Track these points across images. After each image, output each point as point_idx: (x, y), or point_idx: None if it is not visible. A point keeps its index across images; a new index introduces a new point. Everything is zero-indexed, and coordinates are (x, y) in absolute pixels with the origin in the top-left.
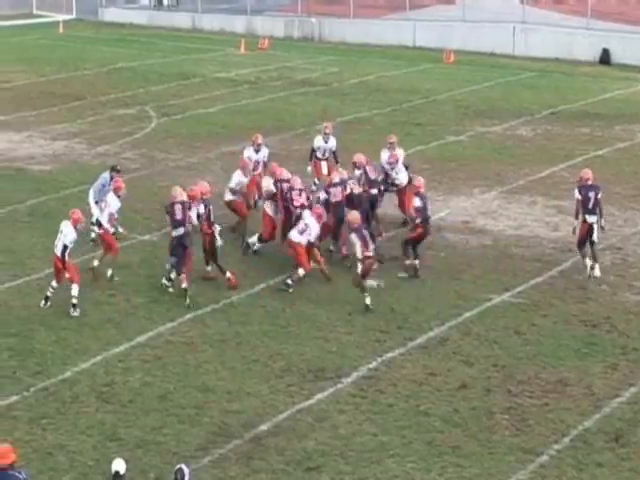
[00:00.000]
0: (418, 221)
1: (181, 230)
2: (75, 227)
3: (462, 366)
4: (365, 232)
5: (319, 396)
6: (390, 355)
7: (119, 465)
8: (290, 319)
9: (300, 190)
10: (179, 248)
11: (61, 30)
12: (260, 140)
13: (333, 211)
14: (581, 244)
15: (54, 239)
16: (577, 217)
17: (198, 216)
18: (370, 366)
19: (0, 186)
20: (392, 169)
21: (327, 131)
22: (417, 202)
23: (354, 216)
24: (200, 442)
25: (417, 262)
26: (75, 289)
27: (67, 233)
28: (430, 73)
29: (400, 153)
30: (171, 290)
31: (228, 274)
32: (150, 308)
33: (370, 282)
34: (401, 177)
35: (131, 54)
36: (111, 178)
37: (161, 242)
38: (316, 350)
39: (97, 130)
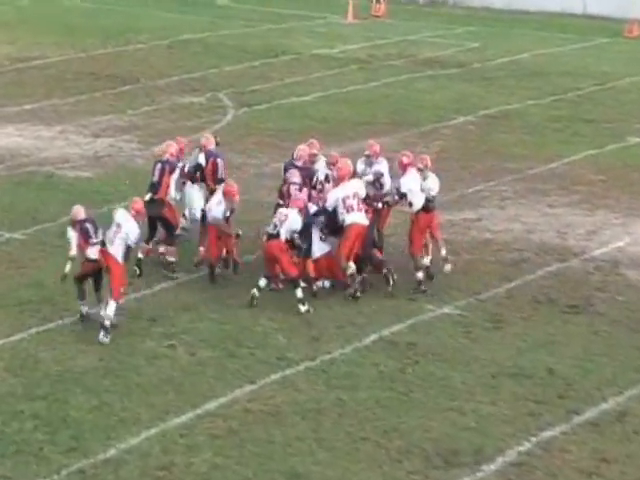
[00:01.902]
0: None
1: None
2: (137, 221)
3: None
4: (88, 226)
5: None
6: (548, 434)
7: None
8: (412, 383)
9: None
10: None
11: None
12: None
13: None
14: None
15: None
16: None
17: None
18: (521, 448)
19: (24, 198)
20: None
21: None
22: None
23: (77, 209)
24: None
25: None
26: (112, 307)
27: (130, 230)
28: (607, 50)
29: (382, 166)
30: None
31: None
32: (222, 364)
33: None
34: (414, 198)
35: (200, 22)
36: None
37: (238, 277)
38: (447, 425)
39: (153, 124)
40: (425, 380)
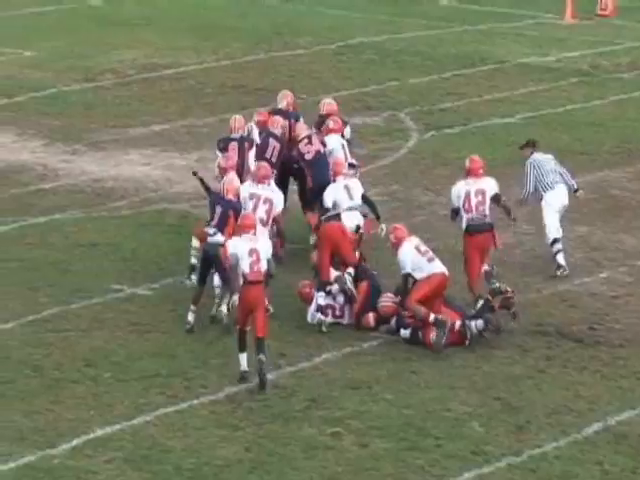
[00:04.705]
0: None
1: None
2: None
3: None
4: None
5: None
6: None
7: None
8: None
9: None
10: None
11: None
12: None
13: None
14: None
15: None
16: None
17: None
18: None
19: (151, 244)
20: None
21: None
22: None
23: None
24: None
25: None
26: None
27: None
28: None
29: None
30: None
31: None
32: (401, 459)
33: None
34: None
35: (375, 22)
36: None
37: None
38: None
39: None
40: None
